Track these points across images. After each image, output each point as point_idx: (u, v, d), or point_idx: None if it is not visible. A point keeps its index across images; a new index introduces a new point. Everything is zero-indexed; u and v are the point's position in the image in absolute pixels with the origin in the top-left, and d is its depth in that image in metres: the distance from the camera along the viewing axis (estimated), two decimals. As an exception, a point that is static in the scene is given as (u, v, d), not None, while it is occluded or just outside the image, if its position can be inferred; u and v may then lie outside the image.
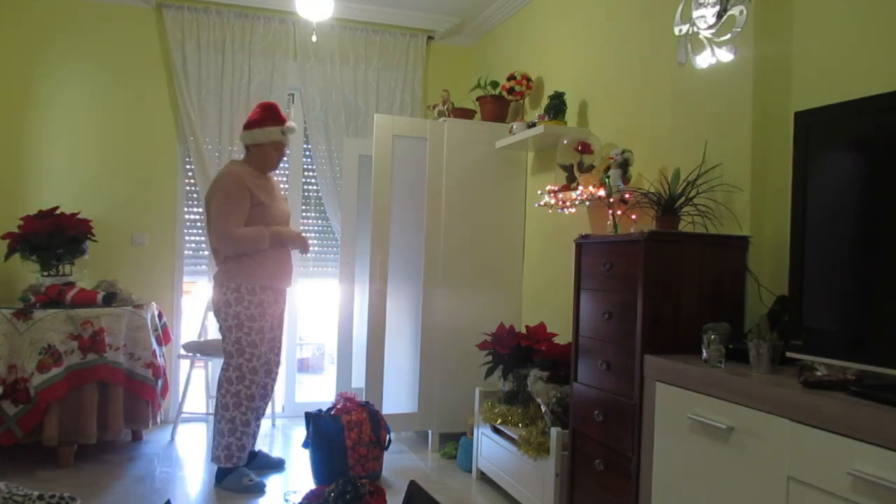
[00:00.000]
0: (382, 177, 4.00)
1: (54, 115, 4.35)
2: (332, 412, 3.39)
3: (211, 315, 4.49)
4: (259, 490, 3.22)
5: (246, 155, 3.41)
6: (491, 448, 3.32)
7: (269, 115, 3.36)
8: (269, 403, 4.48)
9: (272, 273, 3.30)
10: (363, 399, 3.70)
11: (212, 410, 4.48)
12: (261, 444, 4.09)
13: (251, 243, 3.20)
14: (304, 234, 3.50)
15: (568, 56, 3.74)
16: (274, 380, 3.57)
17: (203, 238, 4.58)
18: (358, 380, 4.40)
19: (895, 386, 1.57)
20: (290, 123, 3.43)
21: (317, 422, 3.33)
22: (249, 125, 3.36)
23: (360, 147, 4.51)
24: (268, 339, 3.39)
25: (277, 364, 3.55)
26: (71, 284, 3.85)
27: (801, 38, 2.25)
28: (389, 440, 3.46)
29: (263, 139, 3.33)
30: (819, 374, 1.74)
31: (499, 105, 4.17)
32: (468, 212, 4.05)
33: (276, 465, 3.59)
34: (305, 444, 3.41)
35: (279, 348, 3.55)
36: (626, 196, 2.85)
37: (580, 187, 3.07)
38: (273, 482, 3.42)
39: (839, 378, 1.68)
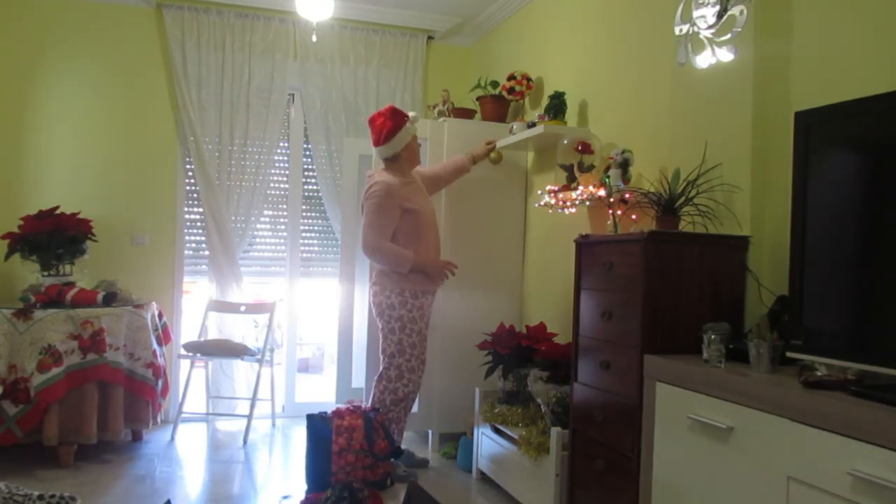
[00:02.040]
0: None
1: (54, 115, 4.36)
2: (328, 415, 3.36)
3: (211, 315, 4.49)
4: (413, 478, 3.36)
5: (394, 163, 3.45)
6: (491, 448, 3.32)
7: (398, 118, 3.40)
8: (271, 403, 4.52)
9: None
10: (368, 405, 3.62)
11: (212, 410, 4.49)
12: (260, 445, 4.09)
13: (394, 264, 3.37)
14: (446, 265, 3.50)
15: (568, 56, 3.74)
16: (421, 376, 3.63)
17: (203, 238, 4.58)
18: (358, 380, 4.39)
19: (895, 386, 1.57)
20: (413, 114, 3.51)
21: (311, 423, 3.28)
22: (390, 134, 3.38)
23: (360, 147, 4.50)
24: (425, 338, 3.50)
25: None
26: (71, 284, 3.85)
27: (801, 38, 2.25)
28: (395, 450, 3.26)
29: (408, 138, 3.41)
30: (819, 374, 1.74)
31: (499, 105, 4.17)
32: (468, 212, 4.05)
33: (422, 464, 3.66)
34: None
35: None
36: (626, 196, 2.85)
37: (580, 187, 3.07)
38: (271, 484, 3.42)
39: (839, 378, 1.68)
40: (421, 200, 3.45)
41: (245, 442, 4.07)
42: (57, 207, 4.03)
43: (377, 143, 3.44)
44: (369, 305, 4.00)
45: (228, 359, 4.29)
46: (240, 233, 4.56)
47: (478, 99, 4.27)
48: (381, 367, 3.47)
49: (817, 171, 1.80)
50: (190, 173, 4.56)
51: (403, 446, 3.58)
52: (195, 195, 4.57)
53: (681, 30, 2.41)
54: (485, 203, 4.08)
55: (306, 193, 4.84)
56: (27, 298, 3.77)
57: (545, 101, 3.65)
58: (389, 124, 3.38)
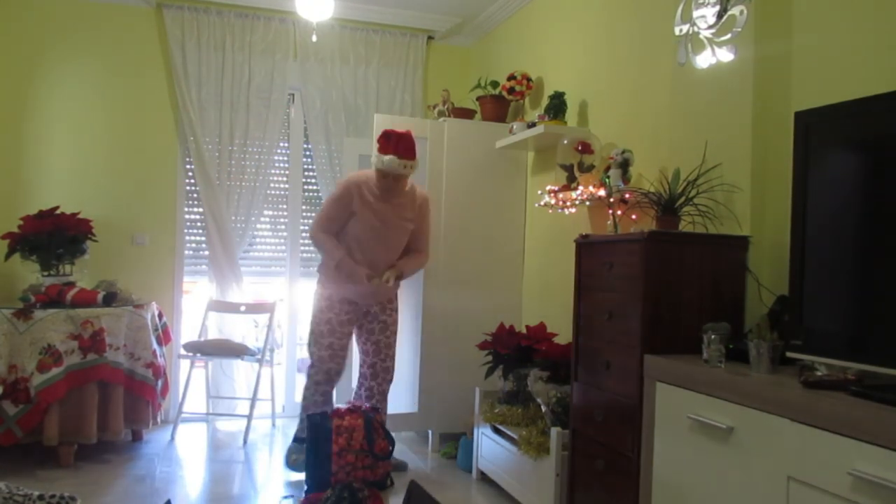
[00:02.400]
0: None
1: (54, 115, 4.36)
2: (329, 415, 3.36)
3: (211, 315, 4.49)
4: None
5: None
6: (491, 448, 3.32)
7: (400, 145, 3.30)
8: (271, 403, 4.53)
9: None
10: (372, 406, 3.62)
11: (212, 410, 4.49)
12: (260, 445, 4.09)
13: (323, 255, 3.48)
14: (366, 279, 3.38)
15: (568, 56, 3.74)
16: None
17: (203, 238, 4.58)
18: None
19: (895, 386, 1.57)
20: (413, 162, 3.33)
21: (311, 423, 3.28)
22: (378, 146, 3.36)
23: (360, 147, 4.51)
24: (336, 332, 3.52)
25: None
26: (71, 284, 3.84)
27: (801, 38, 2.25)
28: (391, 451, 3.29)
29: (377, 164, 3.33)
30: (819, 374, 1.74)
31: (499, 105, 4.17)
32: (468, 212, 4.05)
33: (401, 467, 3.64)
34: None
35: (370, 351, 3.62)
36: (626, 196, 2.85)
37: (580, 187, 3.07)
38: (271, 484, 3.42)
39: (839, 378, 1.68)
40: (372, 210, 3.35)
41: (245, 442, 4.07)
42: (57, 207, 4.03)
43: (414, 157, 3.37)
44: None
45: (228, 359, 4.29)
46: (240, 233, 4.56)
47: (478, 99, 4.27)
48: None
49: (817, 171, 1.80)
50: (190, 173, 4.56)
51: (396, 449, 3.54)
52: (195, 195, 4.57)
53: (681, 30, 2.41)
54: (485, 203, 4.08)
55: (306, 193, 4.84)
56: (27, 298, 3.77)
57: (545, 101, 3.65)
58: (383, 141, 3.33)
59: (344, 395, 4.18)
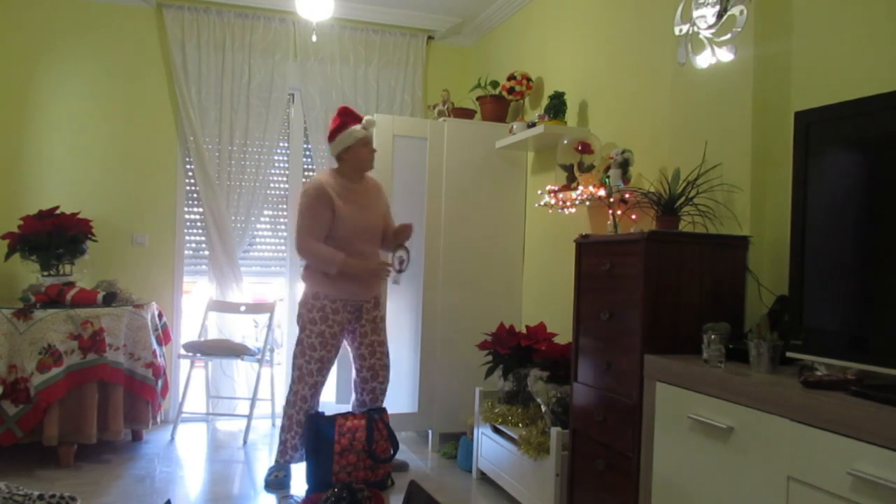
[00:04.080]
0: (382, 177, 4.00)
1: (54, 115, 4.36)
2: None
3: (211, 315, 4.49)
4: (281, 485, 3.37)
5: (338, 164, 3.41)
6: (491, 448, 3.32)
7: (347, 117, 3.38)
8: (271, 403, 4.52)
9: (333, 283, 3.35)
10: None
11: (212, 410, 4.49)
12: (260, 445, 4.09)
13: (322, 264, 3.29)
14: (379, 266, 3.40)
15: (568, 56, 3.74)
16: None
17: (203, 238, 4.58)
18: (358, 380, 4.40)
19: (895, 386, 1.57)
20: (368, 117, 3.44)
21: (314, 423, 3.28)
22: (332, 134, 3.36)
23: (360, 147, 4.50)
24: (328, 344, 3.38)
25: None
26: (71, 284, 3.85)
27: (801, 38, 2.25)
28: (392, 453, 3.29)
29: (350, 141, 3.33)
30: (819, 374, 1.74)
31: (499, 105, 4.17)
32: (468, 212, 4.05)
33: (402, 468, 3.61)
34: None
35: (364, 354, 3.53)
36: (626, 196, 2.85)
37: (580, 187, 3.07)
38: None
39: (839, 378, 1.68)
40: (350, 207, 3.33)
41: (245, 442, 4.07)
42: (57, 207, 4.03)
43: (328, 140, 3.42)
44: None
45: (228, 359, 4.29)
46: (240, 233, 4.56)
47: (478, 99, 4.27)
48: None
49: (817, 171, 1.80)
50: (190, 173, 4.57)
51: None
52: (195, 195, 4.57)
53: (681, 30, 2.41)
54: (485, 203, 4.08)
55: (306, 193, 4.83)
56: (27, 298, 3.77)
57: (545, 101, 3.65)
58: (335, 123, 3.37)
59: (342, 394, 4.18)
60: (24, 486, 1.92)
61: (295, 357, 3.39)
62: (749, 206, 2.34)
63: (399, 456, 3.69)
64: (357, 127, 3.35)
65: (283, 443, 3.36)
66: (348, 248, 3.33)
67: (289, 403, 3.36)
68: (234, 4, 4.51)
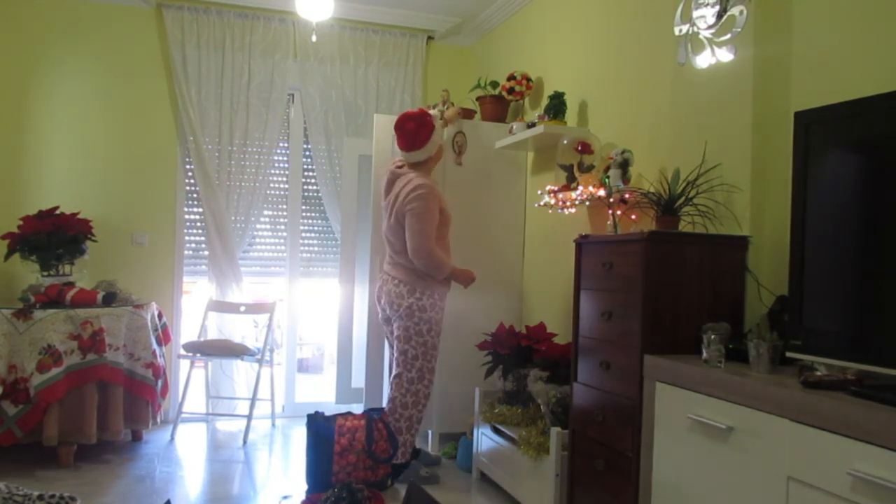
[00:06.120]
0: (382, 177, 3.99)
1: (54, 116, 4.35)
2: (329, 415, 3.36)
3: (211, 315, 4.49)
4: (435, 481, 3.40)
5: (425, 165, 3.41)
6: (491, 448, 3.32)
7: (430, 123, 3.36)
8: (271, 403, 4.52)
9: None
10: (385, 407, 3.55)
11: (212, 410, 4.49)
12: (260, 445, 4.09)
13: (436, 270, 3.30)
14: (473, 277, 3.45)
15: (568, 56, 3.74)
16: None
17: (203, 238, 4.58)
18: (357, 380, 4.40)
19: (895, 386, 1.57)
20: (434, 111, 3.47)
21: (314, 423, 3.28)
22: (423, 139, 3.33)
23: (360, 147, 4.51)
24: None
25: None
26: (71, 284, 3.84)
27: (801, 38, 2.25)
28: (392, 454, 3.27)
29: (439, 142, 3.39)
30: (819, 374, 1.74)
31: (499, 105, 4.17)
32: (468, 212, 4.05)
33: (435, 462, 3.66)
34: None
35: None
36: (626, 196, 2.85)
37: (580, 187, 3.07)
38: (270, 484, 3.42)
39: (839, 378, 1.68)
40: (448, 211, 3.41)
41: (245, 442, 4.07)
42: (57, 207, 4.03)
43: (411, 148, 3.35)
44: (372, 305, 4.00)
45: (228, 359, 4.29)
46: (240, 233, 4.56)
47: (478, 99, 4.27)
48: (397, 369, 3.35)
49: (817, 171, 1.80)
50: (190, 173, 4.57)
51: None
52: (195, 195, 4.57)
53: (681, 30, 2.41)
54: (485, 203, 4.08)
55: (306, 193, 4.84)
56: (27, 298, 3.77)
57: (545, 101, 3.65)
58: (424, 133, 3.33)
59: (342, 394, 4.19)
60: (23, 487, 1.92)
61: (414, 359, 3.33)
62: (749, 207, 2.34)
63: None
64: (445, 128, 3.39)
65: (403, 444, 3.34)
66: (446, 244, 3.41)
67: (418, 408, 3.35)
68: (234, 4, 4.51)
